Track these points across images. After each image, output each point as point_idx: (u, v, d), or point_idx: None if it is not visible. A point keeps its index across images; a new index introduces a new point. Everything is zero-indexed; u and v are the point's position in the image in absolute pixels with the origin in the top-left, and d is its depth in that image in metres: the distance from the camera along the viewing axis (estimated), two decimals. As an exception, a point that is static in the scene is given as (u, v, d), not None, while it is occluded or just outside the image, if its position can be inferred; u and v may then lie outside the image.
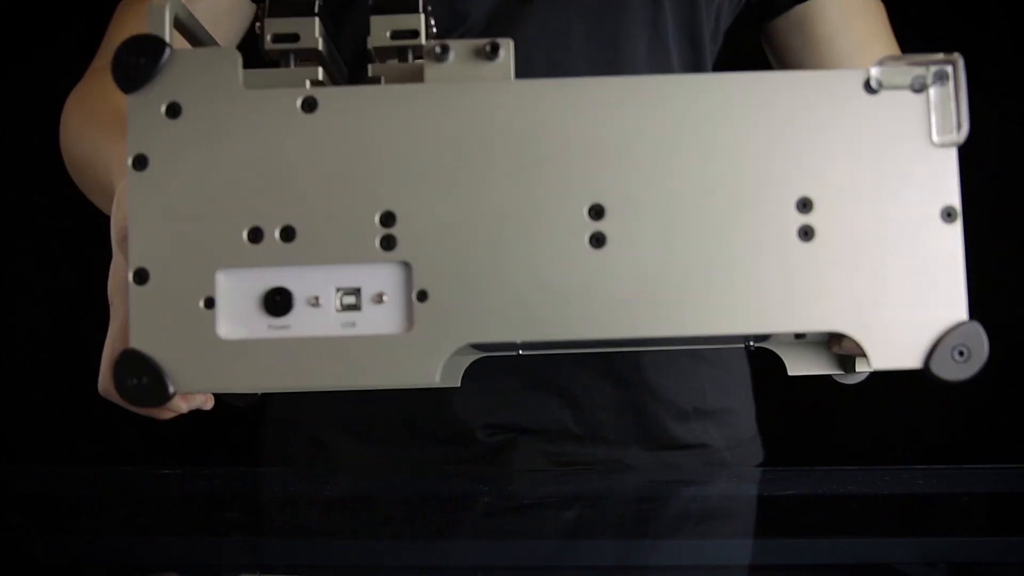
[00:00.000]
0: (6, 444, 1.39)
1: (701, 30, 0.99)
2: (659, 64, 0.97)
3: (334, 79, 0.67)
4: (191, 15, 0.66)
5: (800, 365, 0.76)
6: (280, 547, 0.57)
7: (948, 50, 0.60)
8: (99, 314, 0.71)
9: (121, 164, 0.75)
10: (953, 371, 0.59)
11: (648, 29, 0.96)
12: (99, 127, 0.82)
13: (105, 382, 0.69)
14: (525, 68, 0.91)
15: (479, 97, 0.60)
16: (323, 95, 0.60)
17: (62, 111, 0.92)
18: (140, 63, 0.60)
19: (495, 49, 0.60)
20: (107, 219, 0.73)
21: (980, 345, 0.59)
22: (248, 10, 0.99)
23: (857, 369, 0.73)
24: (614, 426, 1.00)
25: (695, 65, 0.99)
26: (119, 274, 0.67)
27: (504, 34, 0.92)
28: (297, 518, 0.63)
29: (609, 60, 0.95)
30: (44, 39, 1.53)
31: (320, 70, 0.63)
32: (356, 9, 0.97)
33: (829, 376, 0.76)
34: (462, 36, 0.94)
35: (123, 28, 0.96)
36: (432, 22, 0.65)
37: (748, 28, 1.06)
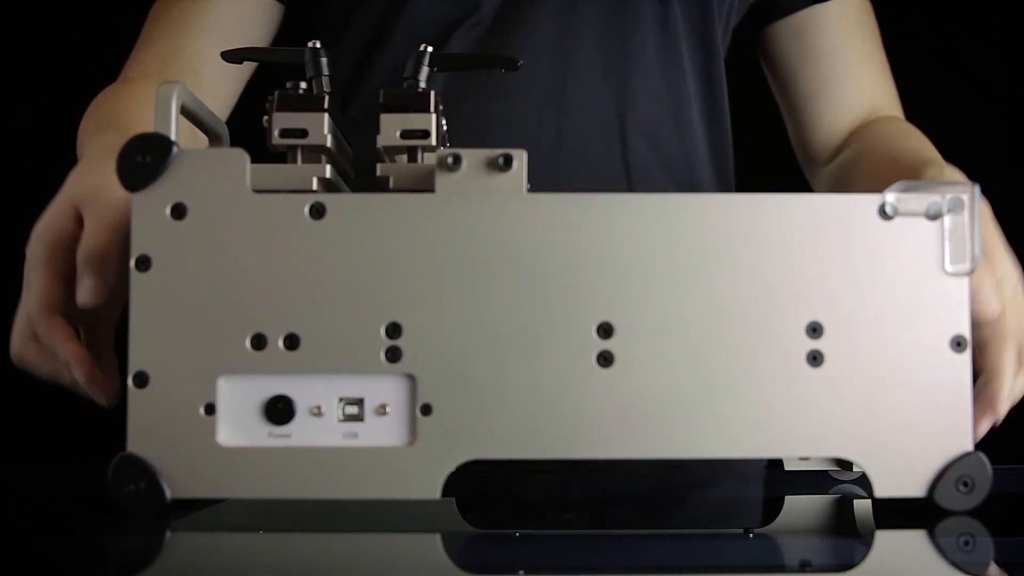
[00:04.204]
0: (6, 444, 1.38)
1: (713, 30, 0.98)
2: (670, 62, 0.96)
3: (343, 174, 0.66)
4: (197, 100, 0.65)
5: (796, 459, 0.76)
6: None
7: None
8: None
9: None
10: (957, 502, 0.59)
11: (657, 30, 0.95)
12: None
13: (17, 347, 0.66)
14: (533, 65, 0.91)
15: (490, 209, 0.59)
16: (332, 202, 0.59)
17: (86, 112, 0.89)
18: (146, 162, 0.59)
19: (508, 161, 0.59)
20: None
21: (984, 476, 0.59)
22: (276, 13, 0.96)
23: (854, 468, 0.73)
24: None
25: (706, 65, 0.98)
26: (54, 232, 0.66)
27: (513, 28, 0.92)
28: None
29: (619, 61, 0.94)
30: (43, 39, 1.51)
31: (328, 167, 0.62)
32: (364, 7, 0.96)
33: None
34: (472, 28, 0.92)
35: (159, 34, 0.93)
36: (443, 122, 0.65)
37: (747, 35, 1.05)
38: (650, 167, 0.94)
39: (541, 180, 0.89)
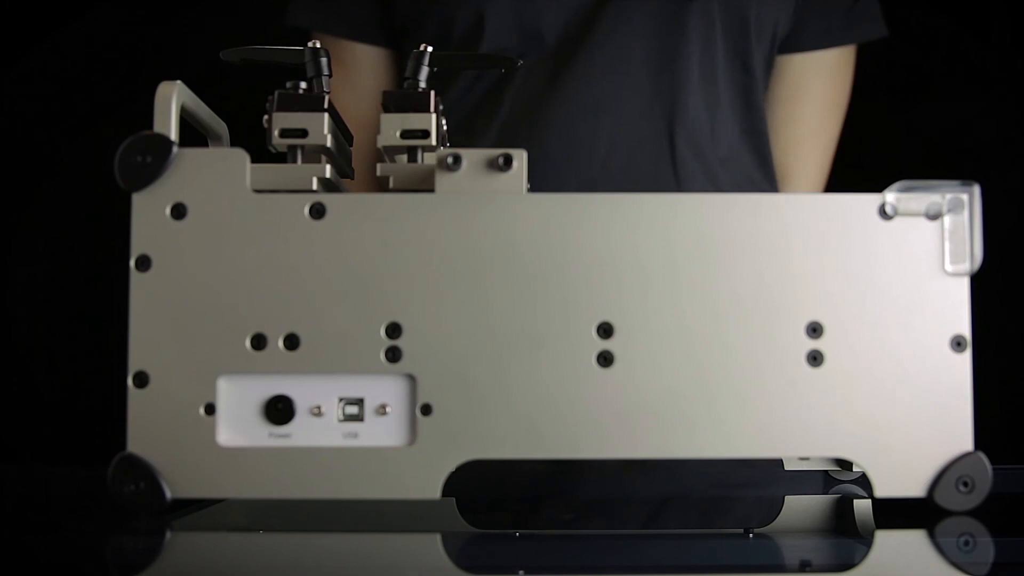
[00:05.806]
0: (6, 444, 1.39)
1: (751, 49, 1.02)
2: (710, 79, 1.00)
3: (343, 174, 0.66)
4: (197, 100, 0.65)
5: (796, 459, 0.76)
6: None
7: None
8: (98, 314, 0.70)
9: None
10: (957, 502, 0.59)
11: (701, 47, 1.00)
12: None
13: None
14: (589, 80, 0.96)
15: (490, 209, 0.59)
16: (332, 202, 0.59)
17: None
18: (146, 162, 0.59)
19: (508, 161, 0.59)
20: (104, 224, 0.72)
21: (984, 476, 0.59)
22: (386, 59, 1.06)
23: (854, 468, 0.73)
24: None
25: (745, 85, 1.03)
26: None
27: (573, 49, 0.96)
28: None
29: (668, 76, 0.99)
30: (42, 38, 1.51)
31: (328, 167, 0.62)
32: None
33: None
34: (538, 59, 0.98)
35: None
36: (443, 122, 0.65)
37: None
38: (697, 178, 0.99)
39: (594, 190, 0.92)
